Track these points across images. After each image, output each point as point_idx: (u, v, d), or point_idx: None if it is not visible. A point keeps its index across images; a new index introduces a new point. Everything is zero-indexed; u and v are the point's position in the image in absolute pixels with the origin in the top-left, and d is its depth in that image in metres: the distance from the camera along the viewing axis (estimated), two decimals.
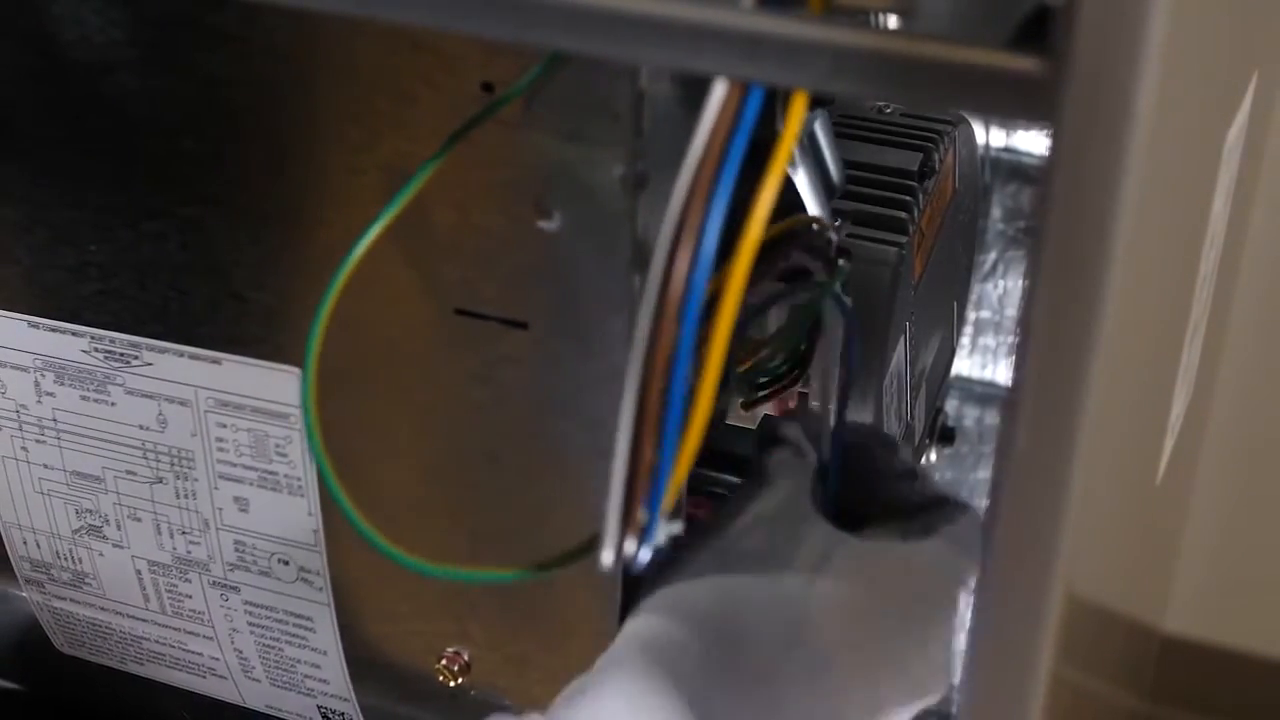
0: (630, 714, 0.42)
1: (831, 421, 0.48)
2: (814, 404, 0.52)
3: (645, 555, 0.36)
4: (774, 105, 0.35)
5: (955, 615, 0.47)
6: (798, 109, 0.33)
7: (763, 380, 0.50)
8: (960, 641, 0.48)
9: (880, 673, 0.45)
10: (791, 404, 0.54)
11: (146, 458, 0.55)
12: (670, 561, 0.47)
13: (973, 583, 0.48)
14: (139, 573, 0.59)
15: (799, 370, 0.50)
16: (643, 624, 0.45)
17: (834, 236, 0.47)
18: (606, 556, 0.36)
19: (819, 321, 0.48)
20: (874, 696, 0.45)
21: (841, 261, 0.47)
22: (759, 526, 0.47)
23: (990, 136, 0.73)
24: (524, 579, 0.40)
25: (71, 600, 0.62)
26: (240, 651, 0.59)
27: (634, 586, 0.49)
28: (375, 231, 0.41)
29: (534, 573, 0.40)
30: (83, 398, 0.55)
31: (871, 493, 0.50)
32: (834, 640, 0.44)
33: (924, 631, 0.46)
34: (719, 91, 0.33)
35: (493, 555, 0.52)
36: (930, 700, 0.46)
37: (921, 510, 0.49)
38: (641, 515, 0.36)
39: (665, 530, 0.36)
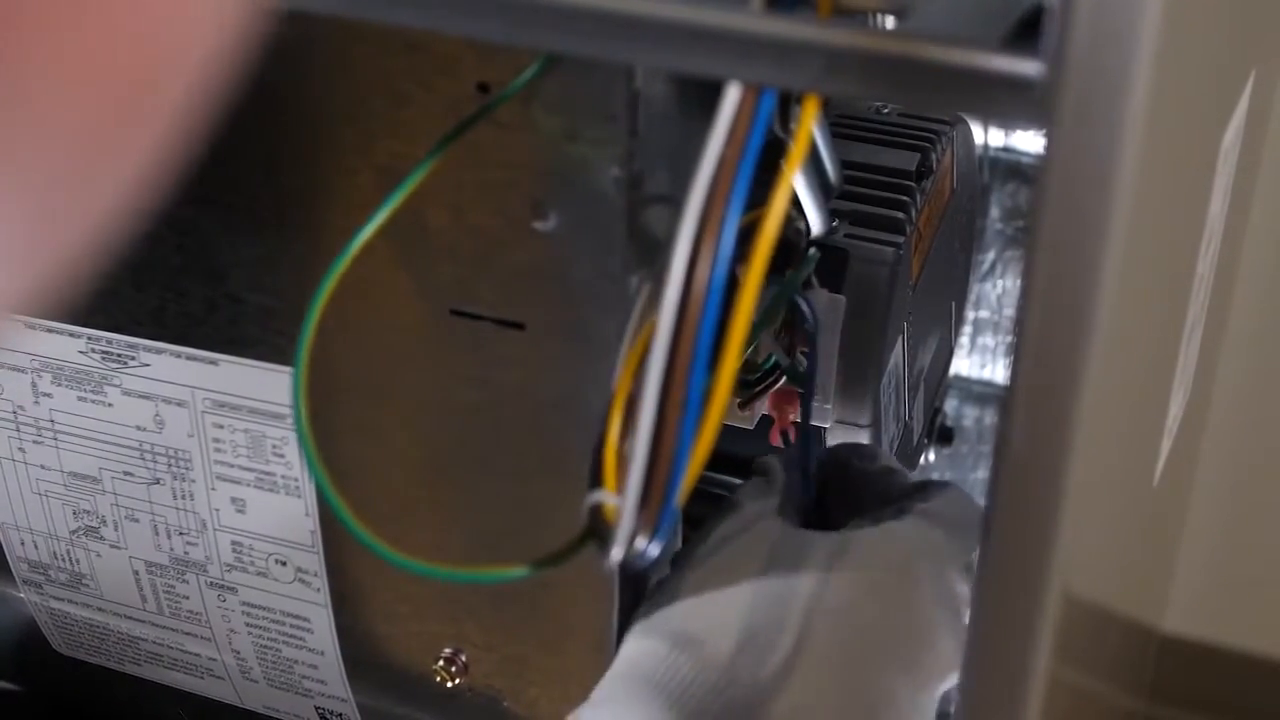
0: None
1: (802, 419, 0.49)
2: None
3: (655, 550, 0.37)
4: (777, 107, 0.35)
5: (945, 590, 0.47)
6: (810, 110, 0.34)
7: (753, 378, 0.50)
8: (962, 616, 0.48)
9: (878, 667, 0.45)
10: (792, 417, 0.54)
11: (144, 458, 0.55)
12: (655, 590, 0.47)
13: (962, 555, 0.48)
14: (136, 573, 0.59)
15: (782, 364, 0.50)
16: (634, 648, 0.45)
17: (802, 226, 0.47)
18: (617, 551, 0.36)
19: (796, 312, 0.48)
20: (876, 688, 0.44)
21: (811, 251, 0.47)
22: (725, 547, 0.47)
23: (988, 136, 0.73)
24: (528, 576, 0.40)
25: (69, 601, 0.61)
26: (238, 652, 0.59)
27: (631, 590, 0.50)
28: (369, 232, 0.41)
29: (536, 568, 0.40)
30: (80, 398, 0.55)
31: (857, 500, 0.51)
32: (823, 640, 0.44)
33: (912, 615, 0.46)
34: (733, 95, 0.33)
35: (489, 557, 0.52)
36: (945, 684, 0.46)
37: (902, 498, 0.50)
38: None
39: (667, 534, 0.37)
